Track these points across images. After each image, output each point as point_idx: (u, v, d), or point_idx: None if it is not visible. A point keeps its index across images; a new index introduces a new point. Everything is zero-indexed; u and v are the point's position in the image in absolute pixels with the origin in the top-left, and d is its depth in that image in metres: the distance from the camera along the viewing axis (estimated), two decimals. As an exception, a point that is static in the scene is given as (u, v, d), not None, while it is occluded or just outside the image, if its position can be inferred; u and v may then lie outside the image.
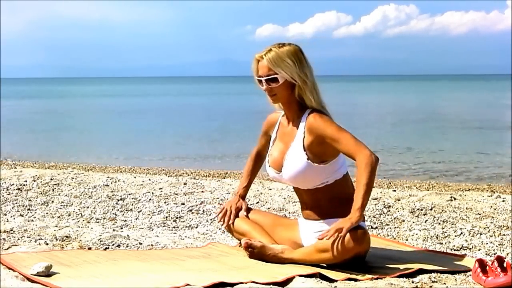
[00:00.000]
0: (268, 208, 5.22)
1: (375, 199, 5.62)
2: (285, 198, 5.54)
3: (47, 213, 5.01)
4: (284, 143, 3.50)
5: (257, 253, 3.46)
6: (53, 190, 6.07)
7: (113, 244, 3.93)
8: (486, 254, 3.79)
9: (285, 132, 3.52)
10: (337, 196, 3.41)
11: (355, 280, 3.13)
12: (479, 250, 3.88)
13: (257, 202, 5.45)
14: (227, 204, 3.82)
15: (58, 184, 6.41)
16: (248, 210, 3.80)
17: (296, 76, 3.36)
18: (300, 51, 3.41)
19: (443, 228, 4.46)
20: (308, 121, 3.38)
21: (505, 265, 3.09)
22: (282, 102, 3.47)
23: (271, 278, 3.07)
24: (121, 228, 4.52)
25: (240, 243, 3.67)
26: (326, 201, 3.43)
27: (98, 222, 4.73)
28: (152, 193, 5.91)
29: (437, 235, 4.26)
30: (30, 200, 5.51)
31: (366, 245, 3.27)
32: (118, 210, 5.17)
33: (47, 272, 3.08)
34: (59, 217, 4.89)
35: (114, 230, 4.42)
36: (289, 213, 5.02)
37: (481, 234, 4.26)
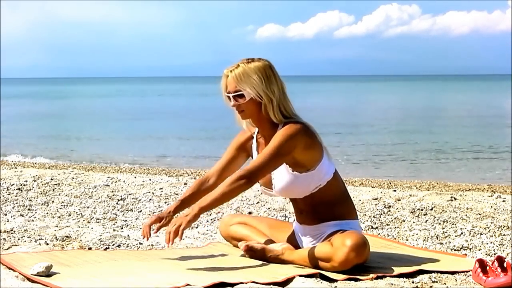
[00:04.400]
0: (269, 208, 5.22)
1: (375, 199, 5.62)
2: (285, 198, 5.54)
3: (47, 213, 5.01)
4: None
5: (258, 255, 3.47)
6: (53, 190, 6.07)
7: (113, 244, 3.94)
8: (486, 254, 3.79)
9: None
10: (332, 196, 3.39)
11: (355, 280, 3.13)
12: (479, 250, 3.88)
13: (258, 202, 5.45)
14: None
15: (59, 184, 6.41)
16: (249, 214, 3.82)
17: (262, 93, 3.30)
18: (269, 67, 3.34)
19: (443, 228, 4.46)
20: None
21: (505, 265, 3.09)
22: (252, 119, 3.42)
23: (271, 278, 3.07)
24: (122, 228, 4.52)
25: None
26: (322, 204, 3.40)
27: (98, 222, 4.73)
28: (153, 193, 5.91)
29: (437, 235, 4.26)
30: (30, 200, 5.51)
31: (366, 256, 3.26)
32: (118, 210, 5.17)
33: (47, 272, 3.08)
34: (59, 217, 4.89)
35: (114, 230, 4.43)
36: (289, 213, 5.02)
37: (481, 234, 4.26)
